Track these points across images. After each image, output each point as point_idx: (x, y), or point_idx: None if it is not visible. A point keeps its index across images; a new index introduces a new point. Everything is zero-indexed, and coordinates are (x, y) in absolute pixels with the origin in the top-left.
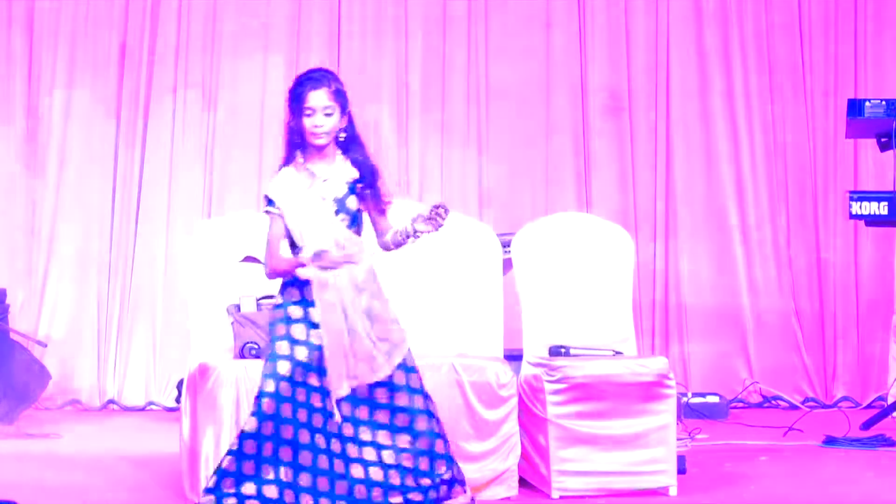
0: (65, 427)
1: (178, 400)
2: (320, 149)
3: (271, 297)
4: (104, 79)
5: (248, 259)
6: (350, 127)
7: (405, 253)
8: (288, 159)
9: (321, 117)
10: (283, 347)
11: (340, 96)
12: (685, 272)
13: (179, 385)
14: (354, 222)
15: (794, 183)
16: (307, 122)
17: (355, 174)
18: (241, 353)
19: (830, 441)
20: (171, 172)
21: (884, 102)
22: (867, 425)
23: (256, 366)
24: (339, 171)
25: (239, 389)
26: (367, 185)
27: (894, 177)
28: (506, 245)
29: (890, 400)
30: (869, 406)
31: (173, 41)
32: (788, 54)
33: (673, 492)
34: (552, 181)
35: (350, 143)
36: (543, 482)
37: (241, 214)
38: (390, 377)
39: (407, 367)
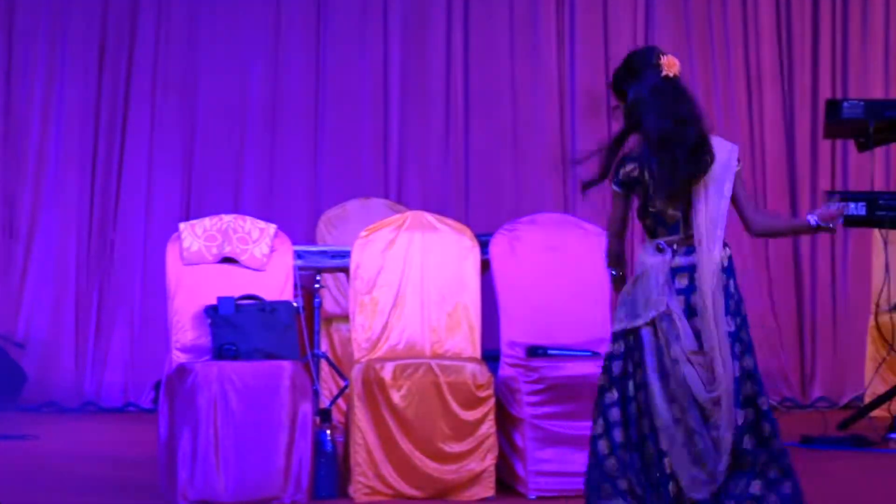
0: (42, 428)
1: (155, 401)
2: None
3: (250, 297)
4: (83, 78)
5: (227, 260)
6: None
7: (384, 252)
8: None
9: (616, 109)
10: None
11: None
12: None
13: (157, 386)
14: None
15: (772, 183)
16: None
17: None
18: (219, 355)
19: (807, 441)
20: (150, 173)
21: (861, 103)
22: (844, 425)
23: (234, 367)
24: None
25: (217, 391)
26: None
27: (872, 177)
28: (484, 246)
29: (867, 400)
30: (846, 406)
31: (152, 41)
32: (770, 55)
33: None
34: (531, 182)
35: None
36: (521, 483)
37: (220, 216)
38: None
39: None
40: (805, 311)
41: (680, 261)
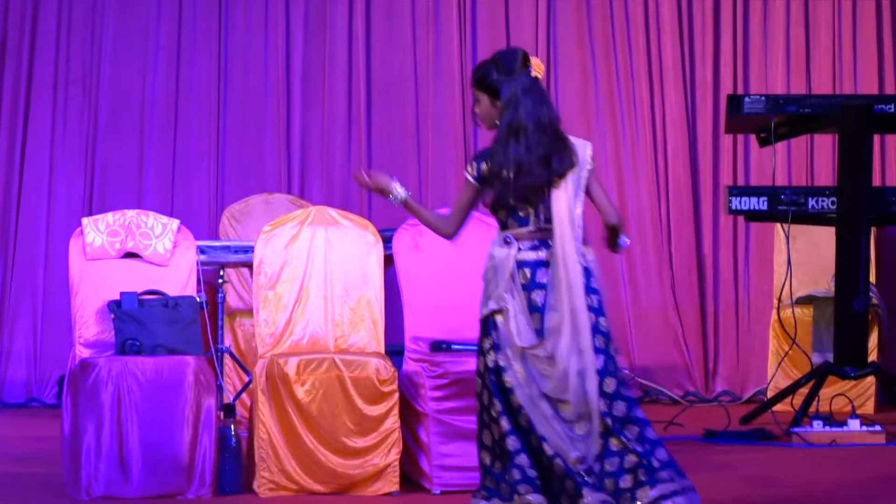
0: None
1: (59, 396)
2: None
3: (153, 292)
4: None
5: (130, 255)
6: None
7: (287, 247)
8: None
9: (476, 106)
10: None
11: (481, 81)
12: None
13: (61, 381)
14: None
15: (674, 178)
16: None
17: None
18: (122, 350)
19: (711, 435)
20: (52, 168)
21: (763, 98)
22: (747, 419)
23: (137, 362)
24: None
25: (120, 386)
26: None
27: (774, 172)
28: (388, 241)
29: (770, 394)
30: (749, 400)
31: (54, 36)
32: (671, 50)
33: None
34: (434, 176)
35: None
36: (425, 478)
37: (123, 211)
38: None
39: None
40: (707, 306)
41: (525, 255)
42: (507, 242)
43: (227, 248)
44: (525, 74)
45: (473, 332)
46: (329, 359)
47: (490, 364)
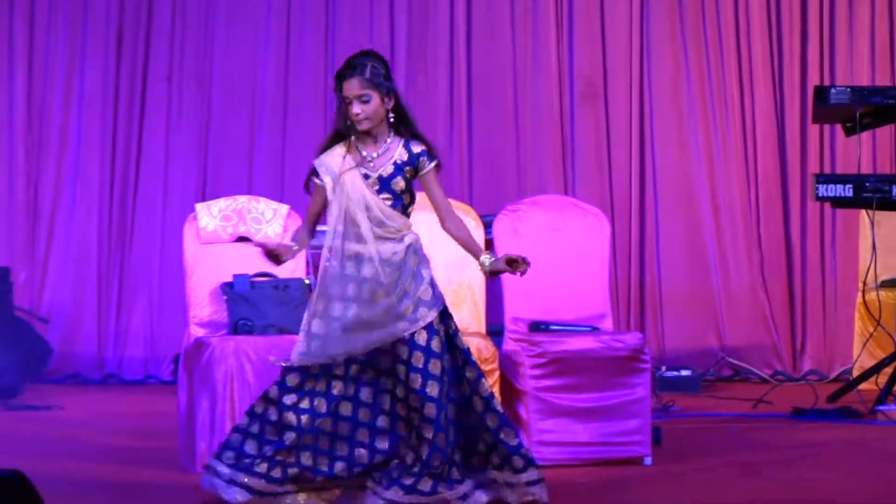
0: (66, 399)
1: (174, 374)
2: (368, 132)
3: (265, 275)
4: (102, 65)
5: (241, 239)
6: (397, 106)
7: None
8: (336, 137)
9: (358, 105)
10: None
11: (376, 80)
12: (660, 252)
13: (176, 359)
14: (399, 202)
15: (763, 167)
16: (349, 110)
17: (405, 156)
18: (235, 329)
19: (798, 413)
20: (167, 156)
21: (848, 89)
22: (833, 398)
23: (249, 341)
24: (388, 152)
25: (233, 364)
26: (411, 164)
27: (859, 160)
28: (488, 226)
29: (855, 374)
30: (835, 379)
31: (168, 30)
32: (760, 42)
33: (648, 461)
34: (533, 164)
35: (399, 123)
36: None
37: (234, 197)
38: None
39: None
40: (795, 289)
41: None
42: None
43: None
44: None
45: (570, 314)
46: None
47: None
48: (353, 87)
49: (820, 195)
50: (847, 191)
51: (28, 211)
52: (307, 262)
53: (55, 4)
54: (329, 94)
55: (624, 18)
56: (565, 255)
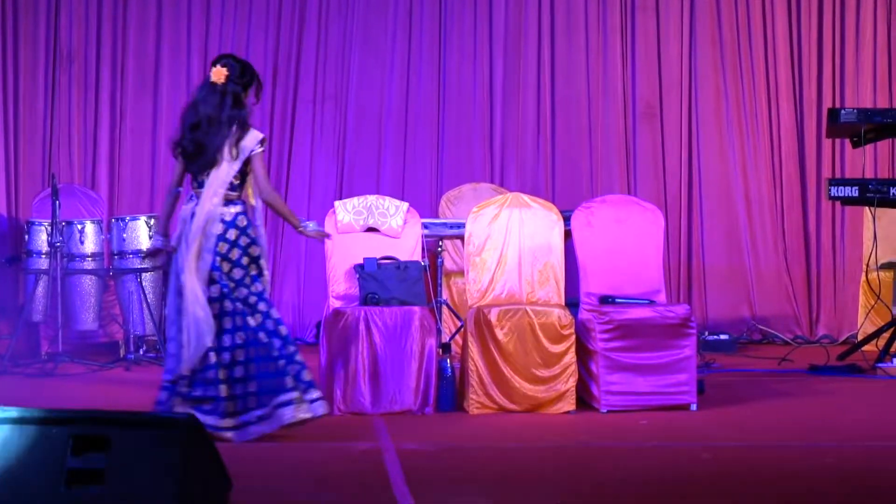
0: None
1: (317, 336)
2: None
3: (389, 258)
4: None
5: (371, 230)
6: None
7: (490, 224)
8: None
9: (246, 99)
10: None
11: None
12: (704, 240)
13: (318, 325)
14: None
15: (786, 173)
16: None
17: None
18: (365, 301)
19: (814, 369)
20: (311, 164)
21: (855, 111)
22: (842, 357)
23: (377, 311)
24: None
25: (363, 329)
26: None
27: (864, 167)
28: (567, 219)
29: (860, 337)
30: (843, 342)
31: (313, 60)
32: (784, 72)
33: (694, 407)
34: (603, 170)
35: None
36: (595, 400)
37: (365, 196)
38: None
39: None
40: (812, 270)
41: (190, 208)
42: (190, 199)
43: (444, 225)
44: None
45: (632, 289)
46: (522, 309)
47: None
48: None
49: (832, 195)
50: (854, 192)
51: None
52: (422, 248)
53: (224, 44)
54: (441, 116)
55: (675, 53)
56: (628, 242)
